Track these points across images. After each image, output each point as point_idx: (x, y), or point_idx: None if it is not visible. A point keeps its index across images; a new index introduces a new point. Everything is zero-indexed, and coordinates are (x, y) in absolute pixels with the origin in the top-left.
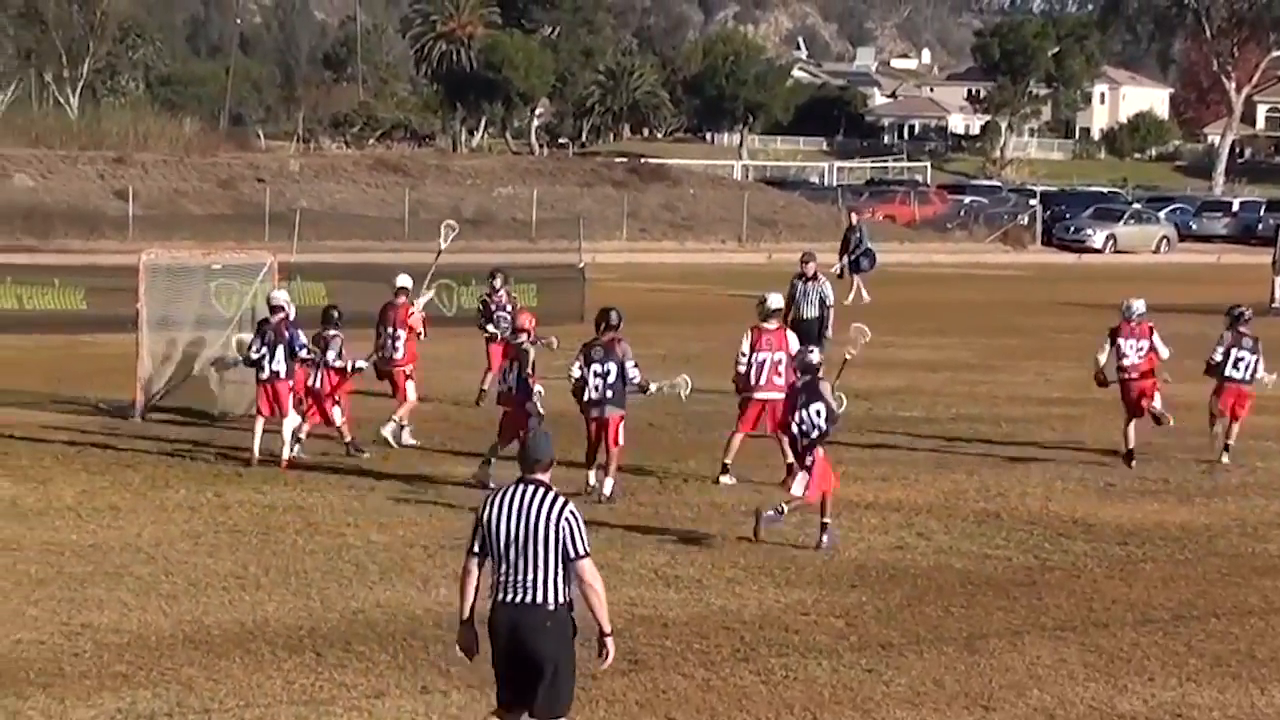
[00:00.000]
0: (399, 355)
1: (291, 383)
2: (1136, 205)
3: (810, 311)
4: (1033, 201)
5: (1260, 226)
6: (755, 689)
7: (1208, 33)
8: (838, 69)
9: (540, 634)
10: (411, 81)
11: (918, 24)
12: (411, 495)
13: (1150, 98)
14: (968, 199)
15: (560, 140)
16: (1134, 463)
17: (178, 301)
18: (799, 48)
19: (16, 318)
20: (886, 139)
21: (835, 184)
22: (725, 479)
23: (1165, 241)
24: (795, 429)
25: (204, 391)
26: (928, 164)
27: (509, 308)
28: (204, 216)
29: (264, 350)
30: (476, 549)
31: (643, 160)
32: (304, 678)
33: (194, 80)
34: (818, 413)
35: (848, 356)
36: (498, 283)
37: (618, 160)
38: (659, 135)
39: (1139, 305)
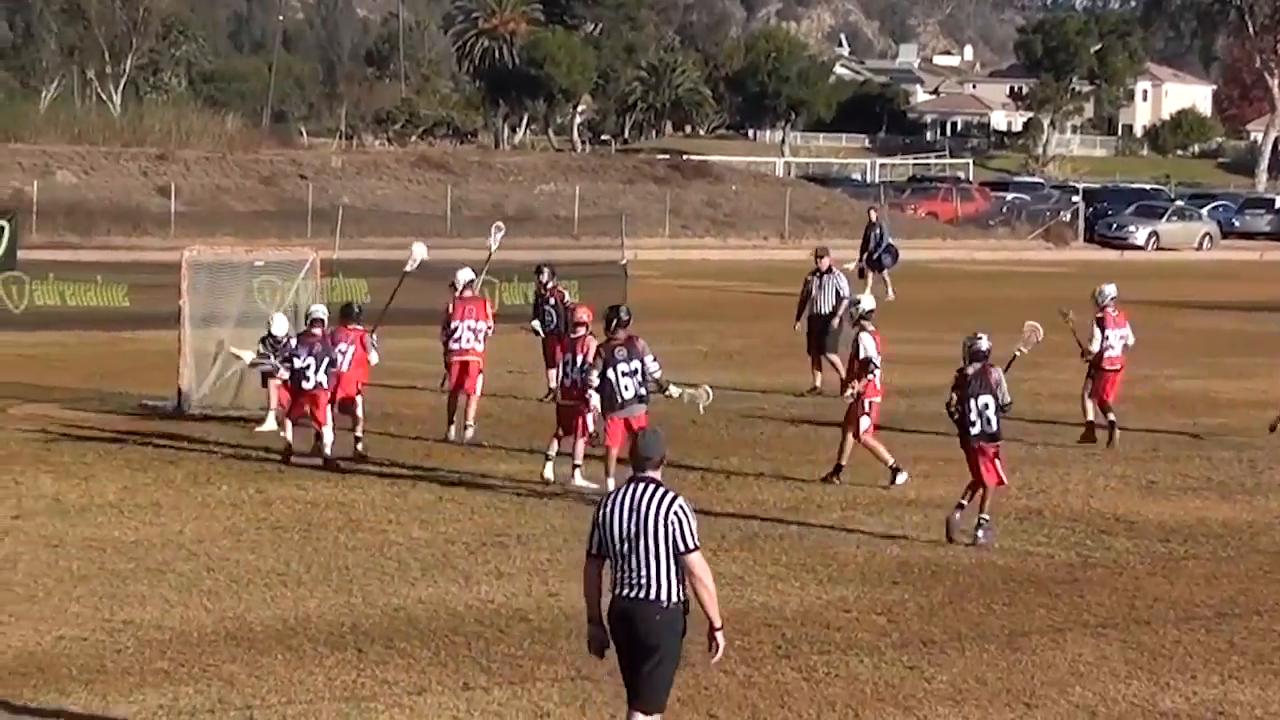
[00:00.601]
0: (479, 348)
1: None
2: (1179, 202)
3: (826, 306)
4: (1075, 198)
5: None
6: (797, 686)
7: (1251, 29)
8: (880, 66)
9: (650, 628)
10: (454, 78)
11: (960, 21)
12: (453, 492)
13: (1193, 94)
14: (1010, 196)
15: (602, 137)
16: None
17: (220, 298)
18: (841, 44)
19: (59, 314)
20: (929, 136)
21: (877, 181)
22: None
23: (1208, 238)
24: (960, 418)
25: (248, 388)
26: (970, 161)
27: (552, 300)
28: (246, 213)
29: (310, 361)
30: (595, 551)
31: (685, 157)
32: (346, 674)
33: (237, 77)
34: (985, 405)
35: (1018, 353)
36: (544, 277)
37: (660, 157)
38: (701, 132)
39: (1110, 290)
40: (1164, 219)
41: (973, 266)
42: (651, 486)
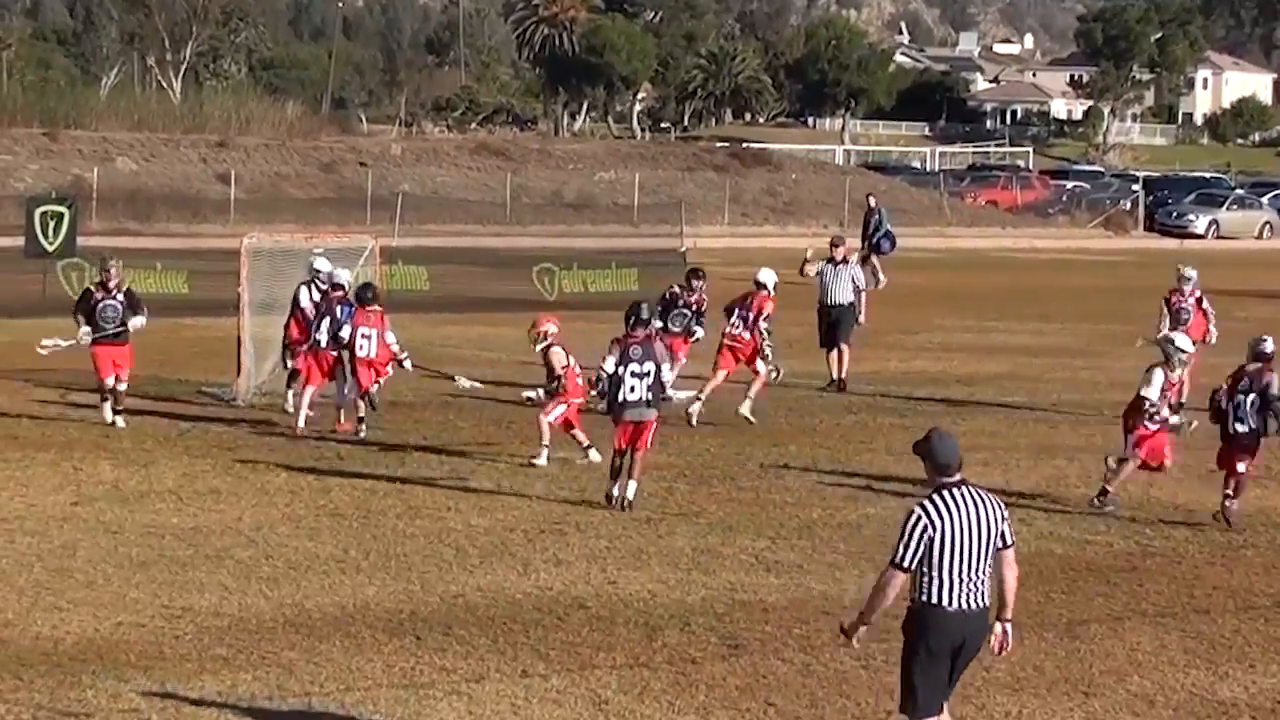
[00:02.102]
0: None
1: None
2: (1239, 191)
3: (843, 296)
4: (1135, 187)
5: None
6: (855, 674)
7: None
8: (940, 54)
9: (984, 629)
10: (514, 65)
11: (1021, 9)
12: (513, 480)
13: (1254, 83)
14: (1070, 184)
15: (662, 124)
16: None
17: (280, 285)
18: (901, 32)
19: None
20: (989, 124)
21: (937, 169)
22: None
23: (1268, 227)
24: (1225, 412)
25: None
26: (1030, 149)
27: (694, 306)
28: (305, 200)
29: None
30: (908, 564)
31: (744, 145)
32: (404, 661)
33: (296, 64)
34: (1253, 403)
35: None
36: (697, 282)
37: (719, 145)
38: (761, 120)
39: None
40: (1224, 207)
41: (1033, 255)
42: (968, 489)
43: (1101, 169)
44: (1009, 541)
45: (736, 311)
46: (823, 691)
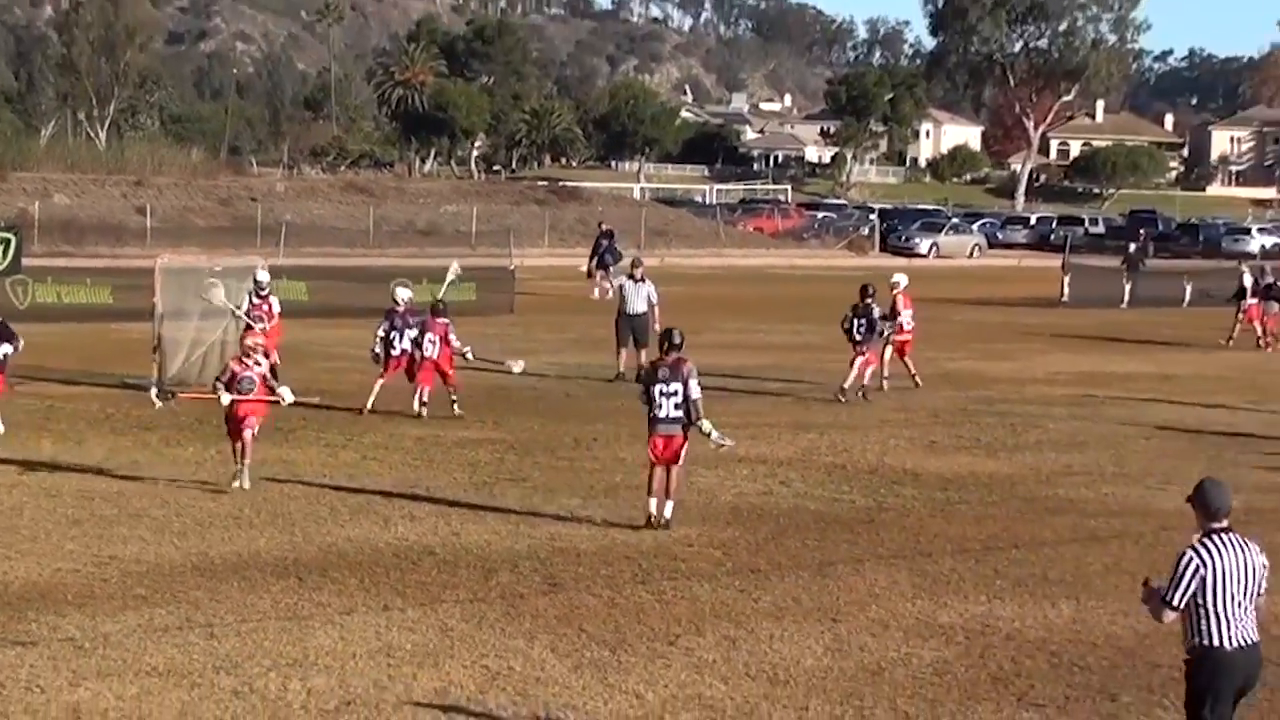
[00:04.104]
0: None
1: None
2: (954, 219)
3: (638, 307)
4: (872, 216)
5: (1052, 237)
6: (651, 605)
7: (1011, 82)
8: (717, 110)
9: (1259, 666)
10: (375, 120)
11: (781, 74)
12: (375, 452)
13: (966, 134)
14: (820, 214)
15: (494, 167)
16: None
17: (187, 297)
18: (686, 93)
19: (56, 310)
20: (756, 166)
21: (715, 202)
22: None
23: (977, 248)
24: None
25: (210, 368)
26: (789, 186)
27: (872, 314)
28: (207, 228)
29: (393, 334)
30: (1177, 603)
31: (560, 184)
32: (288, 598)
33: (199, 118)
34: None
35: None
36: (869, 299)
37: (540, 183)
38: (574, 163)
39: (902, 279)
40: (943, 233)
41: (791, 271)
42: (1236, 536)
43: (845, 202)
44: (1262, 590)
45: (897, 316)
46: (624, 619)
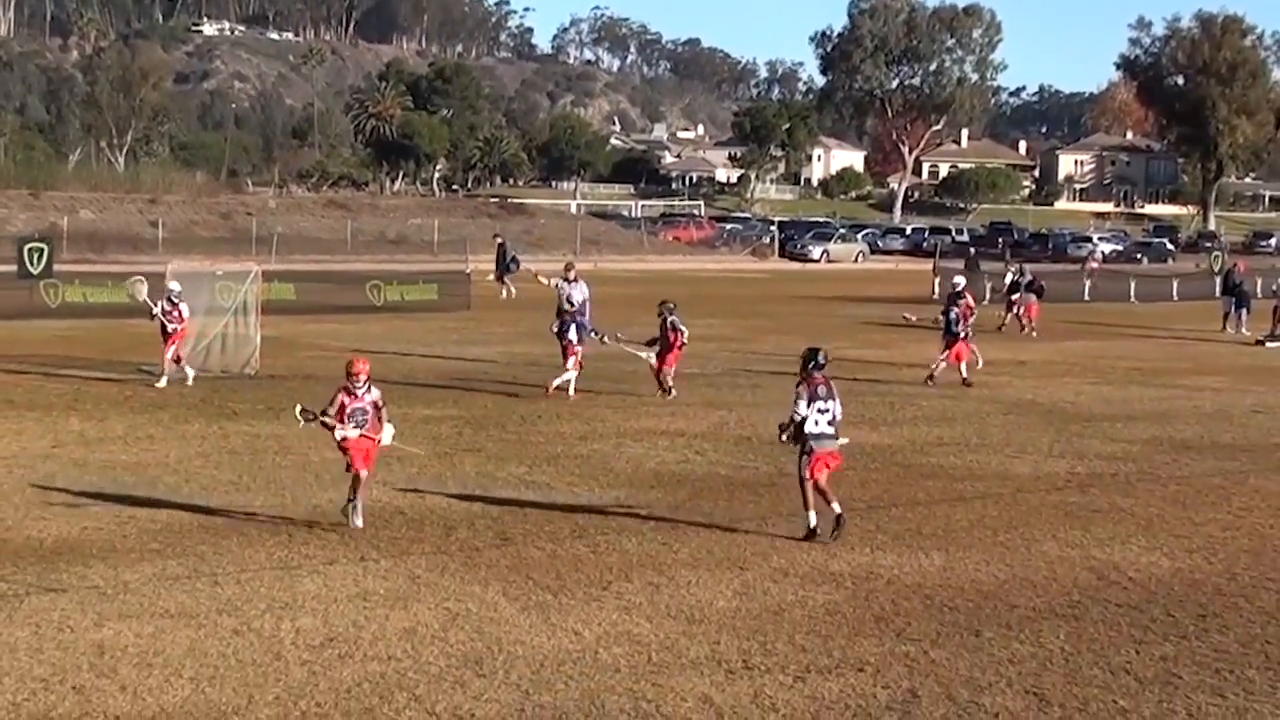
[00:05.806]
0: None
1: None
2: (842, 230)
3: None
4: (772, 227)
5: (925, 244)
6: (586, 557)
7: (889, 114)
8: (641, 138)
9: None
10: (352, 146)
11: (695, 108)
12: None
13: (851, 157)
14: (729, 226)
15: (453, 186)
16: None
17: (194, 297)
18: (615, 124)
19: (82, 308)
20: (674, 185)
21: (639, 216)
22: None
23: (862, 255)
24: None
25: (214, 357)
26: (702, 202)
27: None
28: (210, 238)
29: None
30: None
31: (509, 200)
32: (280, 551)
33: (203, 146)
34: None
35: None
36: (961, 301)
37: (492, 200)
38: (520, 183)
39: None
40: (832, 241)
41: (704, 274)
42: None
43: (750, 215)
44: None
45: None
46: (564, 568)
